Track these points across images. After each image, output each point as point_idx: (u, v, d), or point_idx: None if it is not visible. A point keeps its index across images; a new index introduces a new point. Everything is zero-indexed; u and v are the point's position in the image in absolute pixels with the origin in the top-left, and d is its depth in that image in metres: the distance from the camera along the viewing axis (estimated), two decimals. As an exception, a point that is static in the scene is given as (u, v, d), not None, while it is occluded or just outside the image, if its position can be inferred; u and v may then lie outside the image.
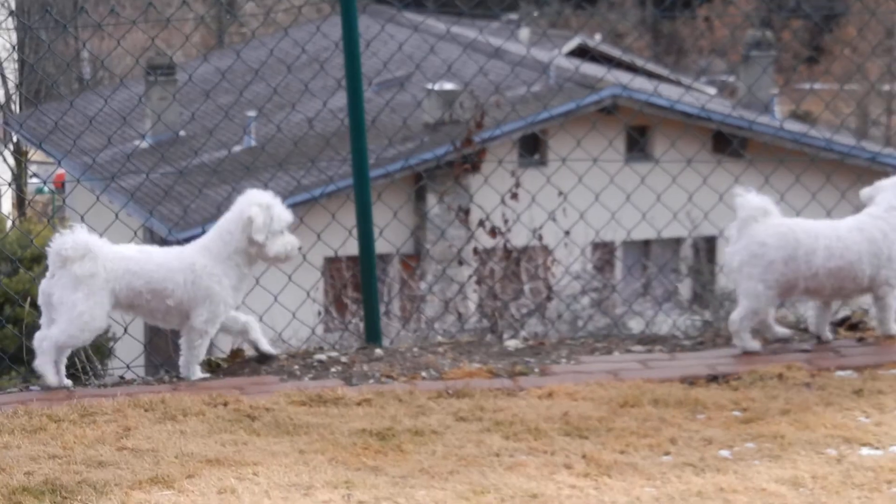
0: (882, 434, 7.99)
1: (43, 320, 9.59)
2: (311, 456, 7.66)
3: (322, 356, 10.46)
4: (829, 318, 10.61)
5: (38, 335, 9.48)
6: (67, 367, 10.34)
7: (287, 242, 9.77)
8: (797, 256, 9.86)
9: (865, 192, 10.45)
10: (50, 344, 9.33)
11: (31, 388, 9.99)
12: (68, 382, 9.38)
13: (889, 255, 9.98)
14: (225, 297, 9.52)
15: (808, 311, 10.72)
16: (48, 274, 9.56)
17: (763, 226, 9.87)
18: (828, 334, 10.52)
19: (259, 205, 9.57)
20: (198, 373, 9.75)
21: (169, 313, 9.59)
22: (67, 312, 9.27)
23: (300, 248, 10.21)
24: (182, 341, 9.88)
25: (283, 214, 9.69)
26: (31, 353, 10.23)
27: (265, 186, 10.83)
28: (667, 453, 7.70)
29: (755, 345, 10.21)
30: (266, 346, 10.08)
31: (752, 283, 9.95)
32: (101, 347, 14.92)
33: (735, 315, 10.10)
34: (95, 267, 9.33)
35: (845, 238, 10.01)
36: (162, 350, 11.44)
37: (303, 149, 21.53)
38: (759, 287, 9.91)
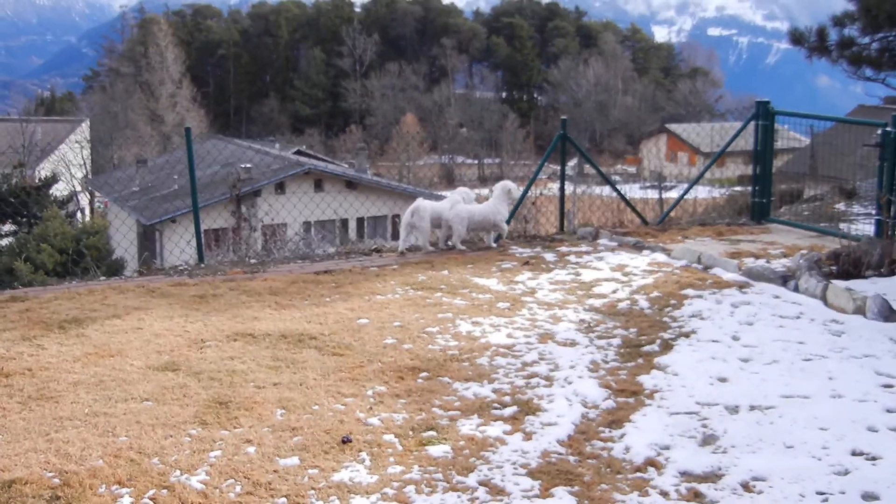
0: (386, 291, 9.02)
1: (403, 234, 11.38)
2: (174, 306, 8.46)
3: (181, 266, 11.11)
4: (491, 239, 11.86)
5: (417, 244, 11.54)
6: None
7: (505, 227, 11.85)
8: (471, 216, 11.38)
9: (493, 188, 12.21)
10: (424, 243, 11.31)
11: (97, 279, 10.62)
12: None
13: (499, 212, 11.51)
14: (504, 224, 11.49)
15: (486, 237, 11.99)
16: (409, 216, 11.42)
17: (461, 205, 11.44)
18: (493, 244, 11.80)
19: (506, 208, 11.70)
20: (459, 245, 11.54)
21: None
22: (421, 232, 11.25)
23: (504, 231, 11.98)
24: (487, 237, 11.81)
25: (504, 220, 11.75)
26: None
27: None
28: (306, 300, 8.67)
29: (464, 248, 11.48)
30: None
31: (460, 227, 11.36)
32: (116, 266, 15.80)
33: (454, 240, 11.44)
34: (425, 215, 11.27)
35: (483, 209, 11.52)
36: (145, 262, 12.22)
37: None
38: (461, 228, 11.31)
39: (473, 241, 12.09)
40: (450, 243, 11.79)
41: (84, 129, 55.34)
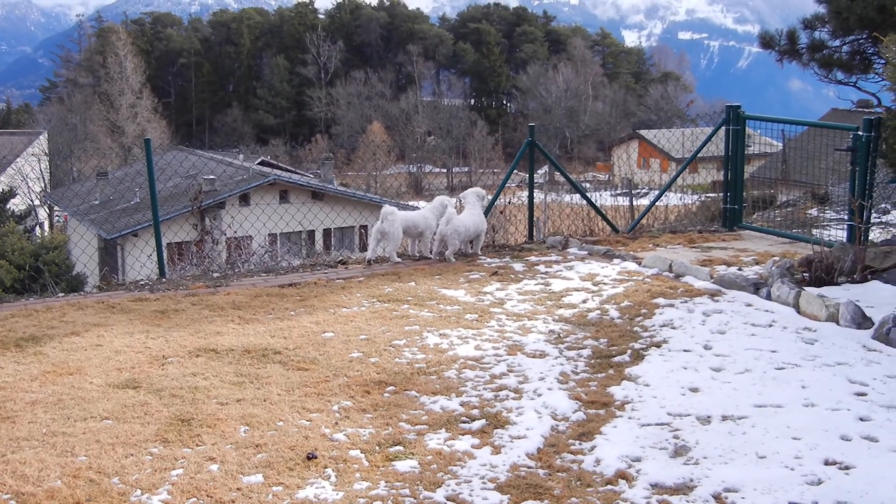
0: (352, 303, 8.97)
1: (372, 243, 11.38)
2: (135, 322, 8.38)
3: (142, 281, 11.00)
4: (471, 248, 11.81)
5: (378, 252, 11.65)
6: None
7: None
8: (464, 229, 11.28)
9: (462, 196, 12.21)
10: (392, 253, 11.31)
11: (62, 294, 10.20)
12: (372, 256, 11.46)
13: (481, 223, 11.55)
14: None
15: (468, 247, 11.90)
16: (380, 223, 11.33)
17: (455, 218, 11.28)
18: (479, 252, 11.79)
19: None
20: (453, 259, 11.40)
21: (420, 236, 11.70)
22: (391, 237, 11.19)
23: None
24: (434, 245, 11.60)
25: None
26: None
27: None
28: (270, 313, 8.60)
29: (455, 260, 11.32)
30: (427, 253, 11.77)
31: (455, 239, 11.24)
32: (76, 282, 15.67)
33: (448, 252, 11.25)
34: (395, 220, 11.24)
35: (467, 219, 11.43)
36: (105, 277, 12.07)
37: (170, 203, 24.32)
38: (457, 241, 11.20)
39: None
40: (436, 254, 11.76)
41: (42, 142, 54.97)
